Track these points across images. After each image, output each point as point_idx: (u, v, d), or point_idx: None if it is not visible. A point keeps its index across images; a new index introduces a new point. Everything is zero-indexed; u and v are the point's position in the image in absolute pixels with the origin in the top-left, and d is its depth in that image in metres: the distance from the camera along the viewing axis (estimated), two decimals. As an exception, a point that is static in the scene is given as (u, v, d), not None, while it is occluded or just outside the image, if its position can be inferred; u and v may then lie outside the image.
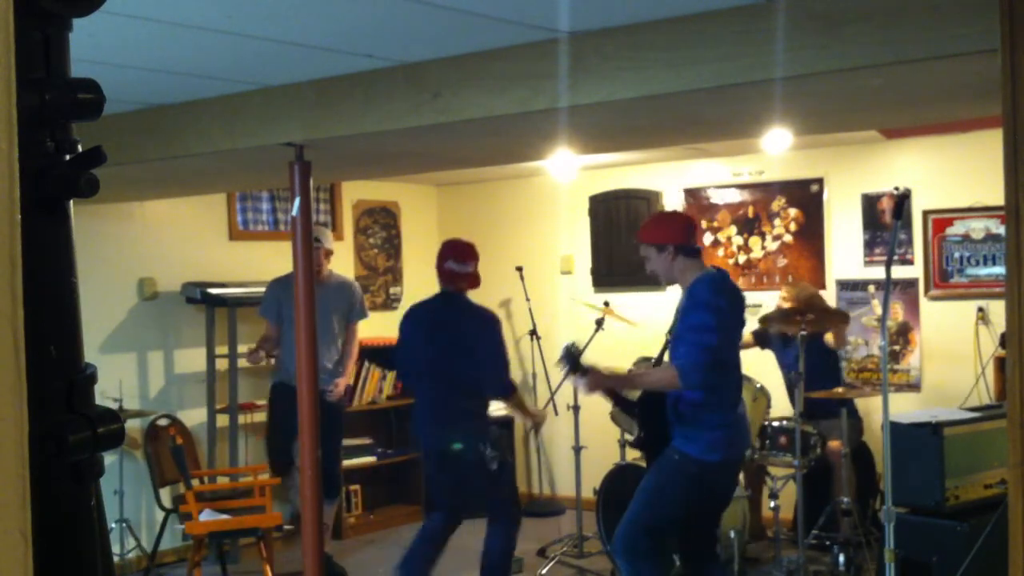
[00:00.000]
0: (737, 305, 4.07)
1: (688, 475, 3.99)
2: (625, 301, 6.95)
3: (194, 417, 6.38)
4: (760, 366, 6.00)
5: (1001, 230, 5.92)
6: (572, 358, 4.32)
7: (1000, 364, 5.76)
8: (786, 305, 5.84)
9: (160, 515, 5.98)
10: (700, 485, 3.97)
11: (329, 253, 6.07)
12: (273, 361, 6.27)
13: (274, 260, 6.33)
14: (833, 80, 2.98)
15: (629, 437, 6.09)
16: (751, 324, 5.43)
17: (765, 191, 6.92)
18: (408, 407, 7.59)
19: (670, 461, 4.07)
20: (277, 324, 5.98)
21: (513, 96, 3.36)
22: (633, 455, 6.20)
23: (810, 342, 5.47)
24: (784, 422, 5.55)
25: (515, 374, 7.95)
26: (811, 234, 6.75)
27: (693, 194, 7.13)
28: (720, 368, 3.95)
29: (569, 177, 7.23)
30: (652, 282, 7.34)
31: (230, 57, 3.48)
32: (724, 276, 4.11)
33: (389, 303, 7.98)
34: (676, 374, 3.93)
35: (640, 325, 6.67)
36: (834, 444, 5.59)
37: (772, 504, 5.50)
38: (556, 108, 3.32)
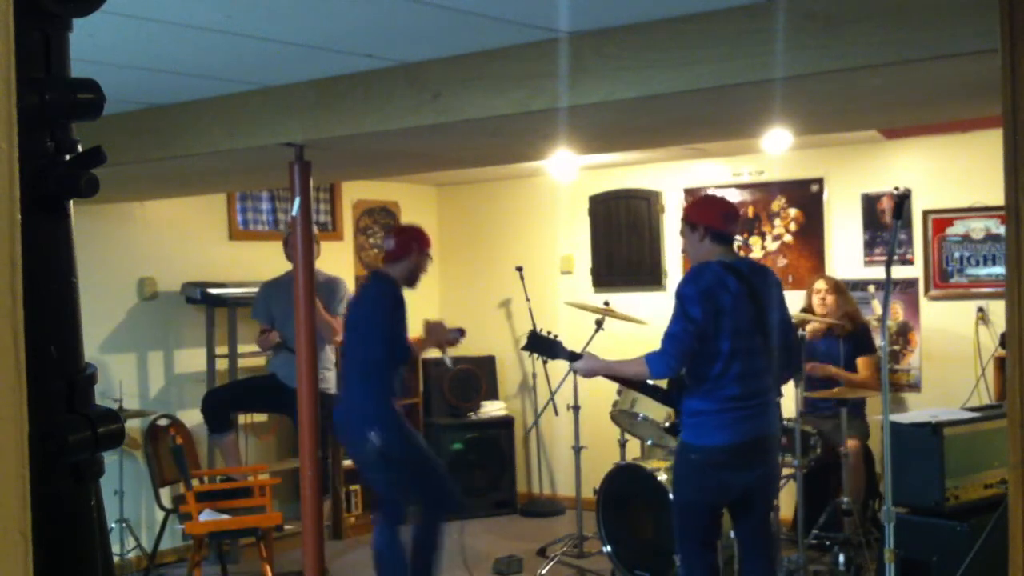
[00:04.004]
0: (721, 293, 3.94)
1: (689, 462, 4.03)
2: (625, 301, 6.94)
3: (194, 417, 6.38)
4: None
5: (1001, 230, 5.92)
6: (542, 343, 4.39)
7: (1000, 364, 5.76)
8: (829, 298, 5.98)
9: (160, 515, 5.98)
10: (704, 472, 3.99)
11: (316, 241, 5.99)
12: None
13: (274, 260, 6.32)
14: (833, 80, 2.98)
15: (630, 437, 6.09)
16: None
17: (765, 191, 6.92)
18: (408, 407, 7.61)
19: (677, 453, 4.16)
20: (269, 325, 6.04)
21: (513, 96, 3.36)
22: (633, 454, 6.20)
23: (833, 339, 5.81)
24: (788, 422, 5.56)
25: (515, 374, 7.98)
26: (811, 234, 6.75)
27: (693, 194, 7.12)
28: (701, 357, 3.93)
29: (569, 177, 7.23)
30: (652, 282, 7.40)
31: (230, 57, 3.48)
32: (706, 266, 4.02)
33: (389, 303, 7.97)
34: (645, 364, 3.95)
35: (648, 323, 6.60)
36: (851, 443, 5.60)
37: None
38: (556, 108, 3.32)
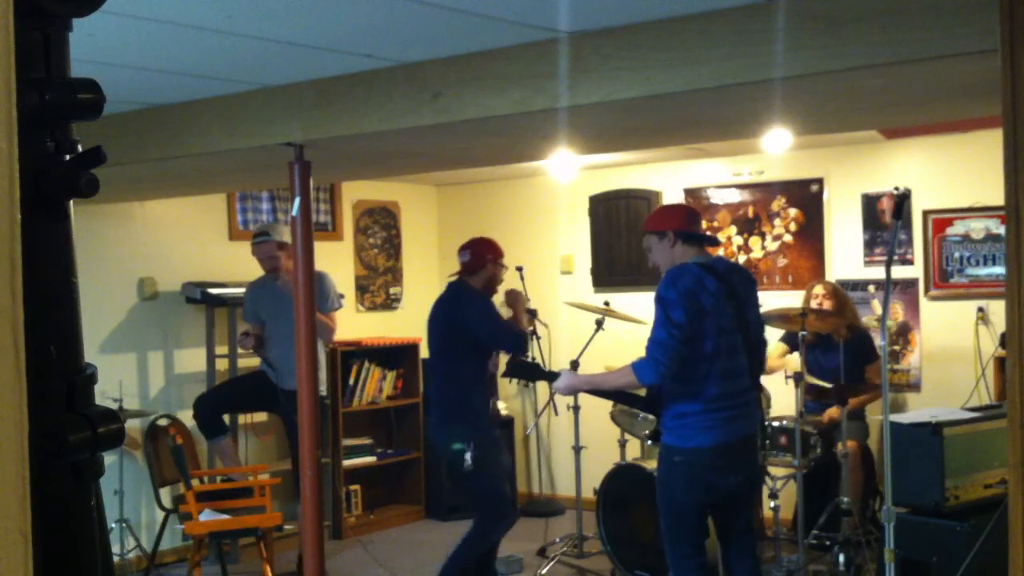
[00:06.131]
0: (702, 294, 3.93)
1: (674, 464, 3.99)
2: (625, 301, 6.94)
3: (194, 417, 6.38)
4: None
5: (1001, 230, 5.92)
6: (523, 368, 4.52)
7: (1000, 364, 5.76)
8: (826, 303, 5.97)
9: (160, 515, 5.98)
10: (689, 474, 3.96)
11: (283, 246, 5.67)
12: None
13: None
14: (833, 80, 2.98)
15: (630, 437, 6.09)
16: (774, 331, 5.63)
17: (765, 191, 6.92)
18: (408, 406, 7.61)
19: (661, 457, 4.11)
20: (260, 325, 5.95)
21: (513, 96, 3.36)
22: (633, 454, 6.21)
23: (832, 346, 5.87)
24: (788, 424, 5.55)
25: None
26: (811, 234, 6.75)
27: (693, 194, 7.13)
28: (686, 359, 3.90)
29: (569, 177, 7.23)
30: (652, 282, 7.38)
31: (230, 57, 3.49)
32: (684, 268, 3.99)
33: (389, 303, 7.98)
34: (632, 373, 3.94)
35: (648, 323, 6.59)
36: (850, 443, 5.59)
37: (772, 504, 5.49)
38: (556, 108, 3.32)
